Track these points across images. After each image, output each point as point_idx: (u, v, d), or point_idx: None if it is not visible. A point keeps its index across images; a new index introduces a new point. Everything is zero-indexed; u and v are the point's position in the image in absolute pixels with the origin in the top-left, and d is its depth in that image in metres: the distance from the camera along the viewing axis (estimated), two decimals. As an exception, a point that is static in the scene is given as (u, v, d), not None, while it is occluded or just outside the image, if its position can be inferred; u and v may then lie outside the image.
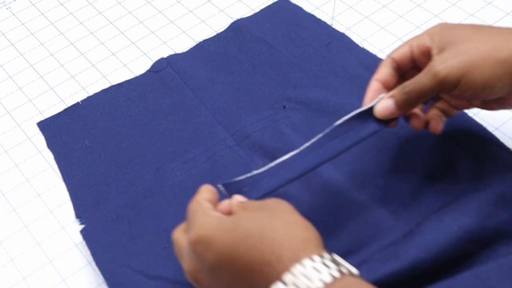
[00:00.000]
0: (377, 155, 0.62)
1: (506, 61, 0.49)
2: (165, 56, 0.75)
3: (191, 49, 0.76)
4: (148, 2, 0.84)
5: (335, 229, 0.56)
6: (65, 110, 0.71)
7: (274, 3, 0.81)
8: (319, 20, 0.78)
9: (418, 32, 0.75)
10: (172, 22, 0.81)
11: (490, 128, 0.63)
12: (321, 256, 0.42)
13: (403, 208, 0.57)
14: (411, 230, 0.54)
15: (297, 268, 0.41)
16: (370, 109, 0.55)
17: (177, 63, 0.74)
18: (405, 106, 0.53)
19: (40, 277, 0.58)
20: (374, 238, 0.55)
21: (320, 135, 0.54)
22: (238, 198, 0.50)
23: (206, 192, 0.50)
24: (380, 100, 0.54)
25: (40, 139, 0.69)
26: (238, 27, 0.77)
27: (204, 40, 0.77)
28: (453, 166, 0.59)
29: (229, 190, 0.52)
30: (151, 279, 0.55)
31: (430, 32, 0.54)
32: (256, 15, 0.79)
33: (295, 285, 0.40)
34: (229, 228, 0.45)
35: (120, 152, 0.66)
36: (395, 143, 0.62)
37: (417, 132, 0.63)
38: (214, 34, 0.78)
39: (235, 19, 0.79)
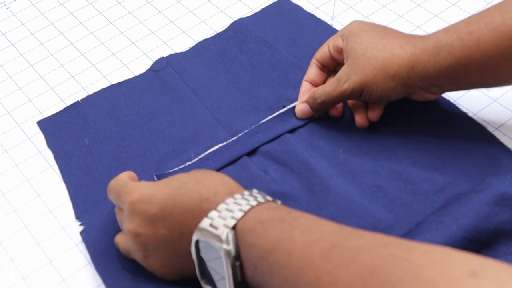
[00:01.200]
0: (375, 155, 0.62)
1: (395, 76, 0.57)
2: (165, 56, 0.75)
3: (191, 48, 0.76)
4: (148, 2, 0.84)
5: None
6: (65, 109, 0.71)
7: (274, 3, 0.81)
8: (319, 20, 0.78)
9: (418, 32, 0.75)
10: (172, 22, 0.81)
11: (490, 128, 0.63)
12: (250, 190, 0.49)
13: (402, 208, 0.57)
14: (410, 230, 0.54)
15: (226, 202, 0.47)
16: (290, 110, 0.66)
17: (177, 63, 0.74)
18: (319, 111, 0.64)
19: (40, 277, 0.58)
20: None
21: (245, 131, 0.65)
22: None
23: (124, 175, 0.56)
24: (297, 104, 0.65)
25: (40, 139, 0.69)
26: (238, 27, 0.77)
27: (204, 40, 0.77)
28: (453, 166, 0.59)
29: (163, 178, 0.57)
30: (150, 283, 0.55)
31: (342, 33, 0.63)
32: (256, 15, 0.79)
33: (220, 217, 0.46)
34: (165, 183, 0.51)
35: (120, 151, 0.66)
36: (393, 144, 0.62)
37: (415, 132, 0.63)
38: (214, 34, 0.78)
39: (235, 19, 0.79)
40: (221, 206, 0.47)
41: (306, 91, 0.66)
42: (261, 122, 0.66)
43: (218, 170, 0.62)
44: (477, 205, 0.53)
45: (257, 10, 0.80)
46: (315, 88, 0.64)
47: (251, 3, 0.82)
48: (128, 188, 0.52)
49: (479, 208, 0.52)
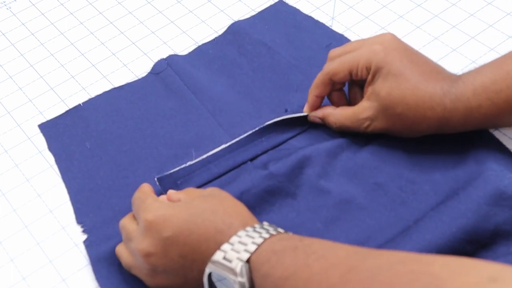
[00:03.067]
0: (374, 153, 0.62)
1: (423, 132, 0.59)
2: (165, 57, 0.75)
3: (190, 53, 0.76)
4: (148, 2, 0.84)
5: (333, 227, 0.56)
6: (66, 112, 0.71)
7: (271, 6, 0.80)
8: (317, 21, 0.78)
9: (418, 32, 0.75)
10: (172, 22, 0.81)
11: (489, 129, 0.63)
12: (261, 223, 0.49)
13: (403, 207, 0.57)
14: (409, 227, 0.54)
15: (238, 234, 0.48)
16: (296, 118, 0.64)
17: (177, 64, 0.74)
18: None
19: (40, 277, 0.58)
20: (372, 236, 0.55)
21: (249, 132, 0.64)
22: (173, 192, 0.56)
23: (146, 186, 0.56)
24: (309, 116, 0.64)
25: (40, 139, 0.69)
26: (236, 30, 0.77)
27: (203, 44, 0.77)
28: (452, 164, 0.60)
29: (164, 182, 0.60)
30: None
31: (368, 66, 0.59)
32: (253, 17, 0.79)
33: (233, 250, 0.46)
34: (184, 207, 0.51)
35: (121, 155, 0.66)
36: (393, 141, 0.62)
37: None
38: (215, 34, 0.78)
39: (235, 20, 0.79)
40: (234, 239, 0.47)
41: (315, 105, 0.64)
42: (265, 124, 0.64)
43: (221, 175, 0.62)
44: (476, 204, 0.53)
45: (258, 10, 0.80)
46: (331, 112, 0.63)
47: (251, 3, 0.82)
48: (146, 204, 0.52)
49: (478, 208, 0.52)
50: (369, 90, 0.59)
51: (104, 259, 0.57)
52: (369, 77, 0.59)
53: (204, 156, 0.63)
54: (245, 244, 0.46)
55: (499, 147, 0.61)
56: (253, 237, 0.46)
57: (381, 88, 0.58)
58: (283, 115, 0.65)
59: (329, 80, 0.62)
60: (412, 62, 0.58)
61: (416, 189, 0.58)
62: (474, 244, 0.52)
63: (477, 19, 0.76)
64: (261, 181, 0.59)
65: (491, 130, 0.62)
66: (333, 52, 0.63)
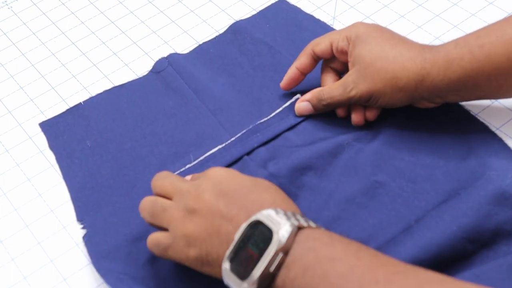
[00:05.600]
0: (375, 152, 0.61)
1: (403, 88, 0.58)
2: (165, 56, 0.75)
3: (190, 52, 0.76)
4: (150, 2, 0.84)
5: (334, 226, 0.56)
6: (67, 110, 0.71)
7: (272, 5, 0.80)
8: (318, 20, 0.78)
9: (419, 32, 0.75)
10: (173, 21, 0.81)
11: (491, 128, 0.63)
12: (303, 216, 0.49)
13: (404, 206, 0.57)
14: (410, 226, 0.54)
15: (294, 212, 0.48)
16: (286, 108, 0.67)
17: (178, 63, 0.74)
18: (321, 111, 0.65)
19: (41, 277, 0.58)
20: (373, 235, 0.55)
21: (244, 131, 0.65)
22: None
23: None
24: (298, 101, 0.66)
25: (41, 139, 0.69)
26: (237, 29, 0.77)
27: (204, 43, 0.77)
28: (454, 163, 0.59)
29: None
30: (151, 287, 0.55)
31: (347, 35, 0.62)
32: (254, 16, 0.79)
33: (286, 214, 0.46)
34: (247, 176, 0.53)
35: (122, 153, 0.66)
36: (394, 140, 0.62)
37: (417, 130, 0.63)
38: (215, 34, 0.78)
39: (237, 20, 0.79)
40: (289, 213, 0.47)
41: (293, 78, 0.67)
42: (259, 122, 0.66)
43: None
44: (477, 204, 0.53)
45: (259, 9, 0.80)
46: (320, 89, 0.64)
47: (252, 2, 0.82)
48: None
49: (479, 207, 0.52)
50: (352, 58, 0.61)
51: (104, 254, 0.57)
52: (350, 46, 0.61)
53: (202, 158, 0.63)
54: (298, 219, 0.46)
55: (501, 146, 0.60)
56: (307, 220, 0.47)
57: (361, 49, 0.60)
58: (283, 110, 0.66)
59: (310, 51, 0.65)
60: (393, 35, 0.61)
61: (417, 188, 0.58)
62: (475, 243, 0.52)
63: (478, 19, 0.76)
64: None
65: (493, 129, 0.62)
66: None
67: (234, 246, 0.46)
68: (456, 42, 0.57)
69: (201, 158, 0.64)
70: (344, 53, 0.63)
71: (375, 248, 0.53)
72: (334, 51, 0.64)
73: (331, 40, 0.64)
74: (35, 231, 0.61)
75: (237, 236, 0.46)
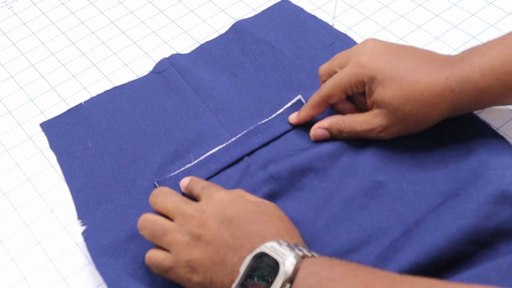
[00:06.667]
0: (376, 154, 0.61)
1: (436, 121, 0.59)
2: (166, 56, 0.75)
3: (193, 51, 0.76)
4: (150, 2, 0.84)
5: (334, 226, 0.56)
6: (68, 111, 0.71)
7: (275, 4, 0.80)
8: (320, 20, 0.78)
9: (419, 32, 0.75)
10: (173, 21, 0.81)
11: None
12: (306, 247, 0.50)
13: (404, 207, 0.57)
14: (410, 229, 0.54)
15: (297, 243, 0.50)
16: (288, 109, 0.67)
17: (179, 64, 0.74)
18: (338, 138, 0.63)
19: (41, 277, 0.58)
20: (373, 237, 0.55)
21: (244, 131, 0.65)
22: None
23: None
24: (314, 127, 0.63)
25: (41, 139, 0.69)
26: (239, 29, 0.77)
27: (206, 42, 0.77)
28: (454, 164, 0.59)
29: (164, 185, 0.61)
30: (151, 284, 0.55)
31: (360, 75, 0.59)
32: (257, 16, 0.79)
33: (289, 245, 0.48)
34: (250, 200, 0.54)
35: (123, 153, 0.66)
36: (394, 142, 0.62)
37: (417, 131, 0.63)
38: (216, 34, 0.78)
39: (237, 20, 0.79)
40: (292, 244, 0.49)
41: (305, 121, 0.65)
42: (260, 123, 0.66)
43: (219, 171, 0.63)
44: (477, 204, 0.53)
45: (259, 9, 0.80)
46: (340, 119, 0.62)
47: (252, 2, 0.82)
48: (204, 187, 0.56)
49: (479, 207, 0.52)
50: (372, 101, 0.59)
51: (103, 250, 0.57)
52: (367, 89, 0.59)
53: (202, 157, 0.64)
54: (301, 250, 0.48)
55: (502, 145, 0.60)
56: (310, 250, 0.49)
57: (383, 95, 0.58)
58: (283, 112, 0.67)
59: (325, 102, 0.63)
60: (402, 59, 0.58)
61: (417, 189, 0.58)
62: (474, 244, 0.52)
63: (478, 19, 0.76)
64: (263, 186, 0.59)
65: (495, 128, 0.62)
66: (322, 69, 0.64)
67: (240, 278, 0.48)
68: (481, 69, 0.56)
69: (201, 158, 0.64)
70: (362, 91, 0.61)
71: (375, 250, 0.54)
72: (354, 90, 0.61)
73: (344, 89, 0.61)
74: (35, 231, 0.61)
75: (242, 269, 0.48)
